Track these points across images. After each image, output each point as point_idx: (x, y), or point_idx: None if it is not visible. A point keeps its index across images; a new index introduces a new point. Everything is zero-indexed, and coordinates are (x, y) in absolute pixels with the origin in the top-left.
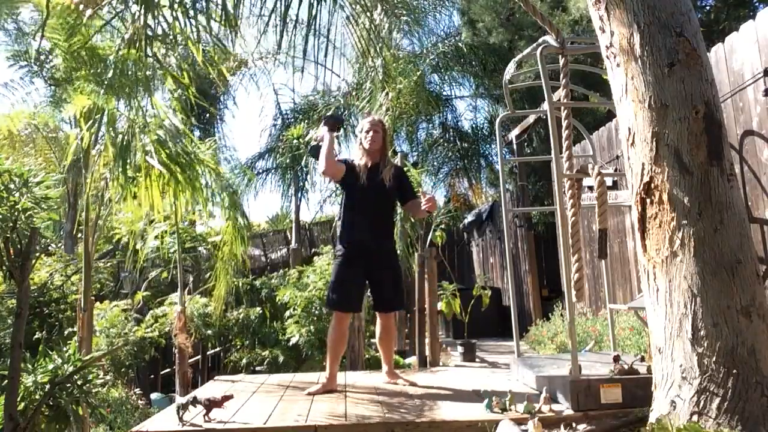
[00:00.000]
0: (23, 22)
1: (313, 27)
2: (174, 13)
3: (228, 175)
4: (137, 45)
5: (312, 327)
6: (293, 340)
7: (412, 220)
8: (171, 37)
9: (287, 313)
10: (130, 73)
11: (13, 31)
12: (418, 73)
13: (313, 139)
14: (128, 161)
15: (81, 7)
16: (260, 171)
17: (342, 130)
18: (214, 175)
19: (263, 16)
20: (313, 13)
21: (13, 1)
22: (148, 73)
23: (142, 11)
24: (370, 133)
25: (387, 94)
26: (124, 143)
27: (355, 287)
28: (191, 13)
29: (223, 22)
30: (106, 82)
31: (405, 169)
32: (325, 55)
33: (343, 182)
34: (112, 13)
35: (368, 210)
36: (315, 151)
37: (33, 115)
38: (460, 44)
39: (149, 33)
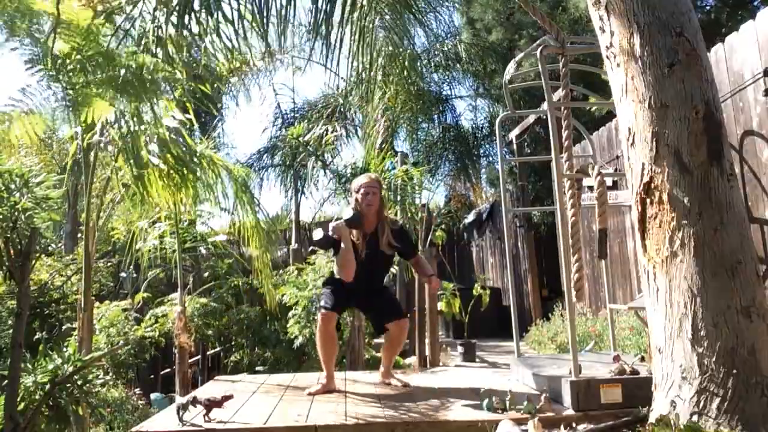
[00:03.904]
0: (39, 28)
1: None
2: (197, 15)
3: (241, 173)
4: (153, 45)
5: (313, 327)
6: (297, 342)
7: (416, 218)
8: (188, 37)
9: (290, 313)
10: (144, 74)
11: (28, 36)
12: (417, 74)
13: (331, 227)
14: (137, 160)
15: (95, 5)
16: (259, 169)
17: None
18: (225, 172)
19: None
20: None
21: (29, 13)
22: (158, 74)
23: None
24: (368, 196)
25: (384, 93)
26: (132, 143)
27: (344, 297)
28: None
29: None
30: (119, 86)
31: (405, 168)
32: (339, 63)
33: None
34: (127, 20)
35: (365, 275)
36: (323, 242)
37: (52, 120)
38: (459, 44)
39: (166, 34)
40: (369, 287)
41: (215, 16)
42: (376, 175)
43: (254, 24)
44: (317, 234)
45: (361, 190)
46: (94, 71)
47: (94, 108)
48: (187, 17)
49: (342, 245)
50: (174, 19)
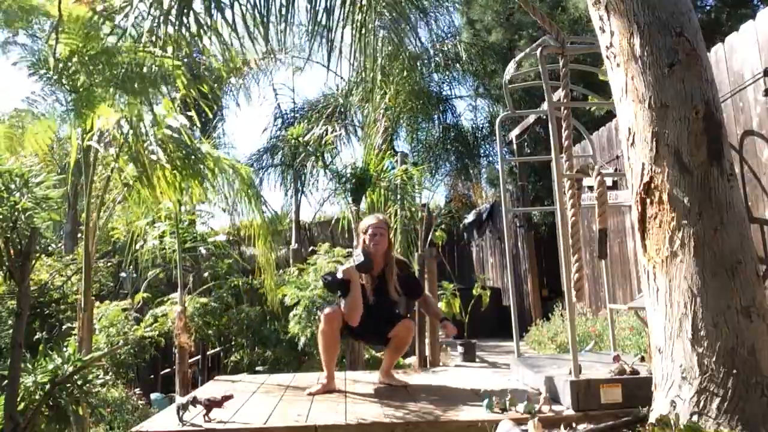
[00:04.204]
0: (40, 27)
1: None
2: (196, 16)
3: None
4: (151, 44)
5: (314, 327)
6: (300, 343)
7: (416, 218)
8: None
9: (291, 313)
10: (144, 71)
11: (29, 40)
12: (418, 73)
13: (340, 270)
14: (136, 163)
15: (97, 7)
16: (259, 169)
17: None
18: (231, 171)
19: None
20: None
21: (28, 12)
22: (156, 67)
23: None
24: (376, 237)
25: (385, 93)
26: (133, 142)
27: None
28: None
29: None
30: (120, 83)
31: (405, 168)
32: (339, 63)
33: None
34: (126, 19)
35: (374, 320)
36: (332, 285)
37: (58, 124)
38: (459, 44)
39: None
40: (376, 330)
41: (214, 17)
42: (384, 215)
43: (255, 25)
44: (326, 278)
45: (369, 231)
46: (95, 72)
47: (98, 112)
48: (185, 18)
49: (351, 288)
50: (171, 18)
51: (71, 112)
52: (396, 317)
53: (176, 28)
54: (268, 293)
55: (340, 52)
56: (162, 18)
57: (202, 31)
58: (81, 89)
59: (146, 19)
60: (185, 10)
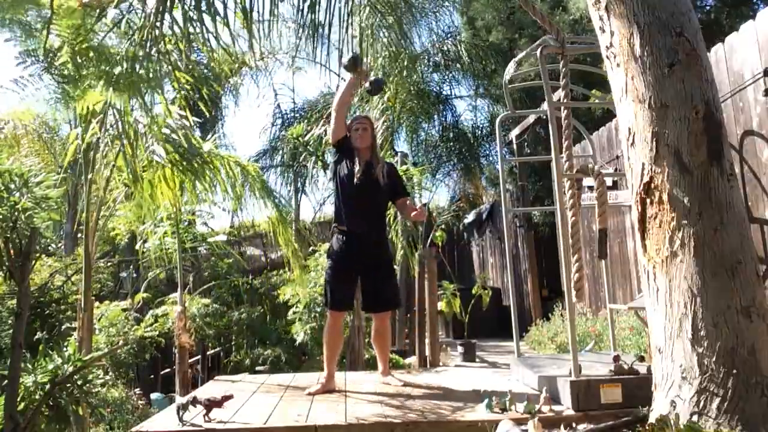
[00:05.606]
0: (32, 21)
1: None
2: (189, 12)
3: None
4: (146, 44)
5: (315, 324)
6: (298, 339)
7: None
8: (182, 36)
9: (291, 312)
10: (140, 71)
11: (19, 28)
12: (418, 73)
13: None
14: (130, 169)
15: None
16: (260, 169)
17: (362, 64)
18: (239, 168)
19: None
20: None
21: (21, 4)
22: (156, 71)
23: (160, 8)
24: (358, 131)
25: (384, 93)
26: (128, 142)
27: (349, 286)
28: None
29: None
30: (113, 80)
31: (405, 168)
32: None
33: (339, 153)
34: (119, 14)
35: (362, 204)
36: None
37: (43, 114)
38: (459, 44)
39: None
40: (369, 234)
41: (199, 15)
42: (365, 113)
43: (242, 24)
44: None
45: (353, 126)
46: (86, 65)
47: (87, 100)
48: (169, 13)
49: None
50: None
51: (59, 101)
52: (382, 200)
53: (160, 24)
54: (297, 282)
55: (339, 52)
56: (147, 15)
57: (190, 26)
58: (69, 80)
59: (130, 13)
60: (168, 4)
